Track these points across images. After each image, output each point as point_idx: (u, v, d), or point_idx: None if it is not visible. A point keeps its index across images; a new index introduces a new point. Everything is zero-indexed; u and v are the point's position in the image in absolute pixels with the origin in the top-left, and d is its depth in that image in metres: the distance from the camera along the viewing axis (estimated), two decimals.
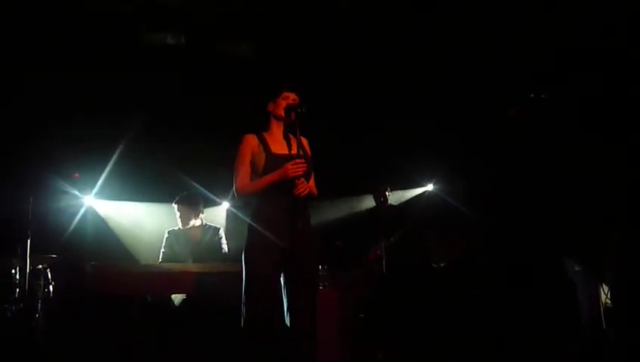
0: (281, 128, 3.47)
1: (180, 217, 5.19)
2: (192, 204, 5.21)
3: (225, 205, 6.92)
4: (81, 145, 5.83)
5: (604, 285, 4.20)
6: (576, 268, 4.41)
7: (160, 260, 5.14)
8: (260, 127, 3.53)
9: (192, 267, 4.52)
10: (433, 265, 5.95)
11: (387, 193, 5.72)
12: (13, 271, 4.59)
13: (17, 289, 4.56)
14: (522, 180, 5.75)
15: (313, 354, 3.28)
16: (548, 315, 4.98)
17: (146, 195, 6.56)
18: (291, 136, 3.43)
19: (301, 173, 3.22)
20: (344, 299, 4.72)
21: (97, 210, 6.50)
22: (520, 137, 5.70)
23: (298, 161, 3.22)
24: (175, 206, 5.21)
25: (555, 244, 4.75)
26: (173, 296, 4.78)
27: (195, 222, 5.23)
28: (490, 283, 5.58)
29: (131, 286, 4.25)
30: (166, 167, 6.10)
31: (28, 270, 4.52)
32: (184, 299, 4.76)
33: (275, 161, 3.32)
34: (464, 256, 6.08)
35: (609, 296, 4.17)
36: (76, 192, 6.17)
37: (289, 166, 3.21)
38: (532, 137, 5.66)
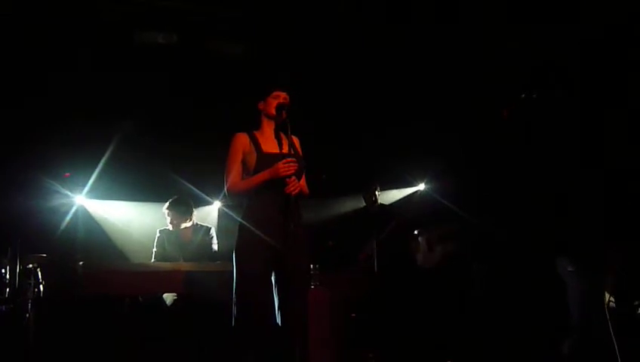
0: (272, 127, 3.47)
1: (171, 222, 5.20)
2: (182, 208, 5.21)
3: (216, 204, 6.92)
4: (71, 144, 5.80)
5: (606, 293, 4.21)
6: (569, 269, 4.42)
7: (153, 259, 5.14)
8: (251, 126, 3.53)
9: (183, 266, 4.52)
10: (423, 266, 5.96)
11: (377, 192, 5.72)
12: (3, 270, 4.57)
13: (7, 289, 4.54)
14: (516, 180, 5.77)
15: (304, 354, 3.29)
16: (536, 316, 5.00)
17: (138, 195, 6.55)
18: (282, 135, 3.43)
19: (292, 171, 3.23)
20: (335, 298, 4.73)
21: (88, 210, 6.48)
22: (513, 137, 5.72)
23: (289, 159, 3.23)
24: (165, 211, 5.21)
25: (547, 244, 4.77)
26: (164, 296, 4.78)
27: (186, 224, 5.23)
28: (481, 284, 5.60)
29: (122, 286, 4.25)
30: (157, 167, 6.09)
31: (18, 269, 4.50)
32: (175, 299, 4.75)
33: (266, 160, 3.33)
34: (454, 256, 6.10)
35: (613, 299, 4.19)
36: (67, 192, 6.14)
37: (280, 165, 3.21)
38: (526, 137, 5.68)
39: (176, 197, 5.30)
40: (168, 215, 5.20)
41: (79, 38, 5.13)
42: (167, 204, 5.22)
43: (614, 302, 4.18)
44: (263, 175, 3.28)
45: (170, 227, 5.22)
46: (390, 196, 6.93)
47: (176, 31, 5.27)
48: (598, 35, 4.85)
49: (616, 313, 4.13)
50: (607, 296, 4.21)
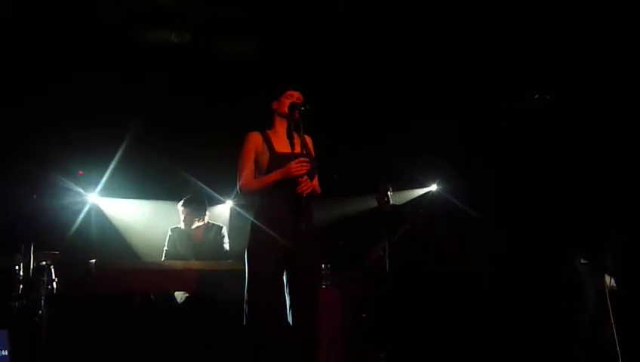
0: (285, 126, 3.48)
1: (185, 219, 5.21)
2: (197, 206, 5.22)
3: (229, 203, 6.93)
4: (85, 142, 5.84)
5: (607, 276, 4.28)
6: (583, 262, 4.48)
7: (163, 258, 5.15)
8: (264, 126, 3.54)
9: (194, 265, 4.53)
10: (436, 266, 5.95)
11: (389, 193, 5.72)
12: (17, 267, 4.62)
13: (21, 286, 4.58)
14: (525, 180, 5.76)
15: (315, 353, 3.29)
16: (555, 318, 5.00)
17: (150, 193, 6.58)
18: (295, 135, 3.43)
19: (304, 171, 3.23)
20: (346, 298, 4.72)
21: (101, 208, 6.52)
22: (520, 136, 5.72)
23: (302, 159, 3.23)
24: (180, 208, 5.22)
25: (567, 243, 4.81)
26: (175, 294, 4.79)
27: (199, 223, 5.24)
28: (496, 285, 5.59)
29: (134, 284, 4.26)
30: (170, 165, 6.11)
31: (32, 267, 4.54)
32: (187, 297, 4.76)
33: (279, 160, 3.33)
34: (466, 257, 6.09)
35: (614, 283, 4.24)
36: (80, 190, 6.18)
37: (293, 164, 3.22)
38: (533, 136, 5.68)
39: (191, 195, 5.32)
40: (183, 212, 5.20)
41: (83, 37, 5.17)
42: (182, 201, 5.24)
43: (615, 283, 4.25)
44: (276, 174, 3.29)
45: (182, 225, 5.23)
46: (402, 196, 6.92)
47: (190, 30, 5.29)
48: (598, 35, 4.85)
49: (618, 295, 4.20)
50: (608, 278, 4.27)
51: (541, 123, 5.70)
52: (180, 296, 4.79)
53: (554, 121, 5.59)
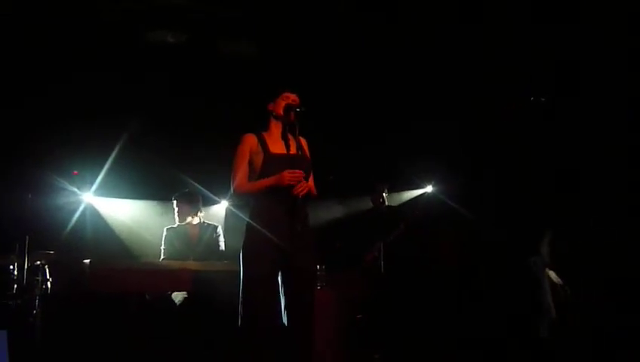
0: (280, 128, 3.46)
1: (178, 213, 5.23)
2: (191, 201, 5.24)
3: (224, 204, 6.92)
4: (80, 142, 5.83)
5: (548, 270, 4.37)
6: (533, 261, 4.56)
7: (162, 257, 5.14)
8: (260, 127, 3.52)
9: (190, 265, 4.51)
10: (432, 266, 5.95)
11: (384, 194, 5.70)
12: (11, 267, 4.60)
13: (15, 286, 4.56)
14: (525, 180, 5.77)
15: (310, 354, 3.27)
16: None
17: (145, 193, 6.57)
18: (290, 136, 3.43)
19: (296, 182, 3.20)
20: (341, 299, 4.71)
21: (96, 208, 6.51)
22: (520, 136, 5.72)
23: (297, 171, 3.22)
24: (174, 201, 5.24)
25: (523, 243, 4.89)
26: (173, 294, 4.77)
27: (193, 220, 5.24)
28: (494, 285, 5.59)
29: (128, 284, 4.23)
30: (165, 165, 6.11)
31: (26, 266, 4.52)
32: (185, 297, 4.74)
33: (273, 161, 3.32)
34: (464, 257, 6.09)
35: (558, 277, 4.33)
36: (75, 189, 6.17)
37: (286, 174, 3.20)
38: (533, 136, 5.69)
39: (186, 190, 5.36)
40: (177, 205, 5.23)
41: (83, 37, 5.16)
42: (176, 194, 5.27)
43: (558, 279, 4.34)
44: (269, 180, 3.27)
45: (176, 220, 5.23)
46: (397, 198, 6.91)
47: (187, 30, 5.28)
48: (598, 35, 4.85)
49: (567, 294, 4.30)
50: (549, 272, 4.34)
51: (541, 123, 5.70)
52: (178, 297, 4.77)
53: (553, 121, 5.58)
